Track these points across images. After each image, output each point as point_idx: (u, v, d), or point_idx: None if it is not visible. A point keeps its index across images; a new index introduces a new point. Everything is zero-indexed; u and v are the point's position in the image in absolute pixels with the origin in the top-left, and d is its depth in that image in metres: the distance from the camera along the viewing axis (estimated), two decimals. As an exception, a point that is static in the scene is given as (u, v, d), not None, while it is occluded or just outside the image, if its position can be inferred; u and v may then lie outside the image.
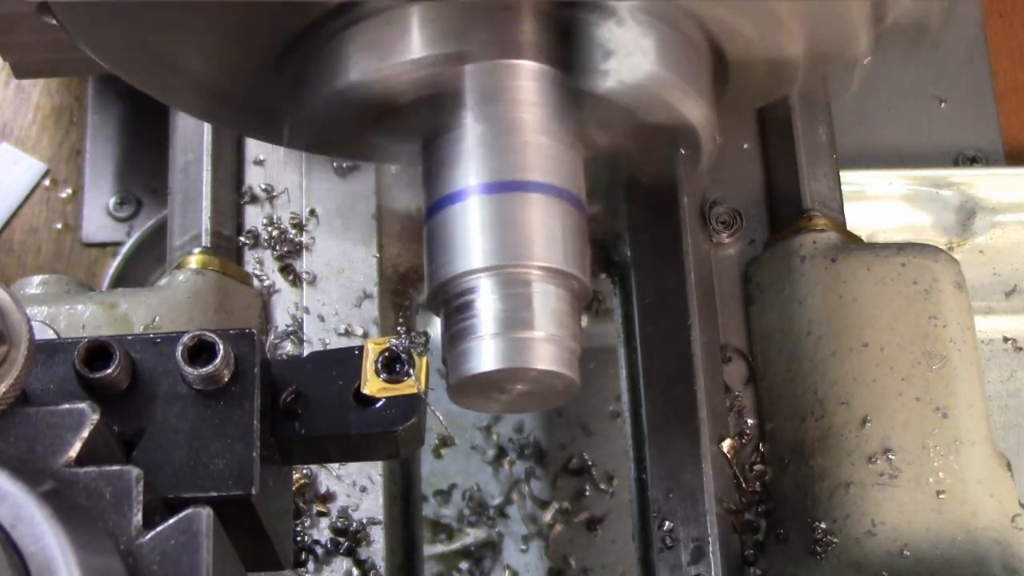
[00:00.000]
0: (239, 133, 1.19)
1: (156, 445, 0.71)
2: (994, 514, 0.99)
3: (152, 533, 0.61)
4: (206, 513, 0.62)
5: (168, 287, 1.10)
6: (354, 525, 1.08)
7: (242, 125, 1.11)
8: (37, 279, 1.12)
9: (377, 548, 1.08)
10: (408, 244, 1.19)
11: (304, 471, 1.08)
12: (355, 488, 1.09)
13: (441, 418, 0.82)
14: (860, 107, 1.47)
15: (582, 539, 1.48)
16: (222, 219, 1.17)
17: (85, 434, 0.63)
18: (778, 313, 1.10)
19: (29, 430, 0.63)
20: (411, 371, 0.77)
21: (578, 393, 0.85)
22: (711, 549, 1.06)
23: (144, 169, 1.49)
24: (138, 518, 0.62)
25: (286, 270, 1.16)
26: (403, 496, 1.19)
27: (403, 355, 0.77)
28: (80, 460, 0.63)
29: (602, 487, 1.48)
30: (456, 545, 1.47)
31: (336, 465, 1.09)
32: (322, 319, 1.14)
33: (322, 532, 1.08)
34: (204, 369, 0.71)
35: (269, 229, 1.17)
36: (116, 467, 0.63)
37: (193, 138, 1.19)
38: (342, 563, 1.07)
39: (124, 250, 1.45)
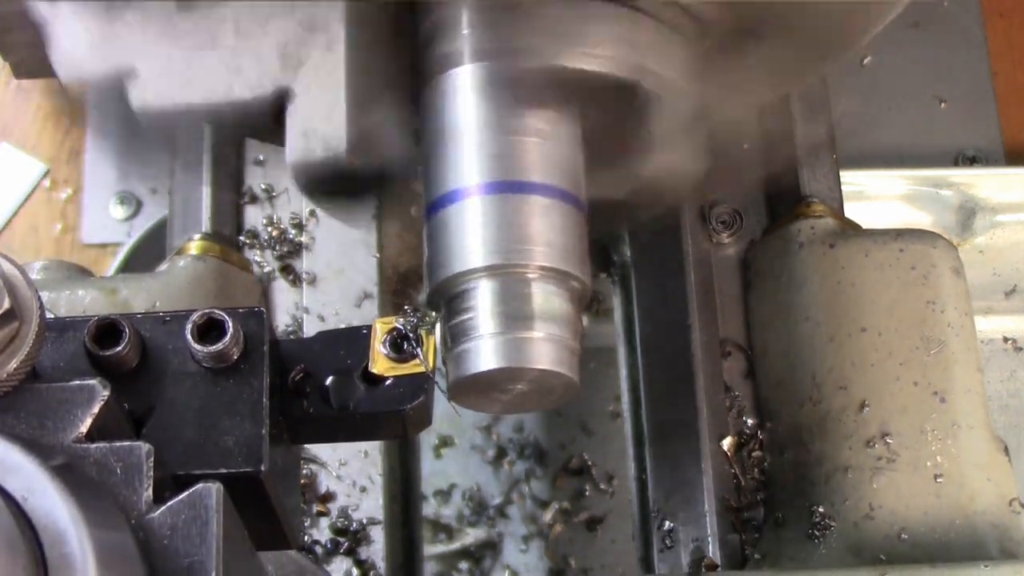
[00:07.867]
0: (239, 137, 1.19)
1: (165, 422, 0.71)
2: (992, 498, 1.00)
3: (163, 508, 0.61)
4: (216, 488, 0.61)
5: (168, 273, 1.10)
6: (354, 525, 1.08)
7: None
8: (38, 264, 1.12)
9: (377, 548, 1.08)
10: (408, 244, 1.19)
11: (304, 471, 1.08)
12: (355, 488, 1.09)
13: (446, 395, 0.82)
14: (860, 107, 1.47)
15: (582, 539, 1.48)
16: (222, 219, 1.17)
17: (95, 410, 0.63)
18: (776, 299, 1.10)
19: (40, 406, 0.63)
20: (419, 350, 0.77)
21: (578, 393, 0.84)
22: (711, 549, 1.06)
23: (144, 169, 1.49)
24: (148, 493, 0.61)
25: (286, 270, 1.16)
26: (403, 496, 1.19)
27: (411, 334, 0.77)
28: (91, 436, 0.63)
29: (602, 487, 1.49)
30: (456, 545, 1.47)
31: (336, 465, 1.09)
32: (322, 319, 1.14)
33: (322, 532, 1.08)
34: (214, 347, 0.71)
35: (269, 229, 1.17)
36: (127, 443, 0.62)
37: (193, 138, 1.19)
38: (342, 563, 1.07)
39: (124, 250, 1.44)
